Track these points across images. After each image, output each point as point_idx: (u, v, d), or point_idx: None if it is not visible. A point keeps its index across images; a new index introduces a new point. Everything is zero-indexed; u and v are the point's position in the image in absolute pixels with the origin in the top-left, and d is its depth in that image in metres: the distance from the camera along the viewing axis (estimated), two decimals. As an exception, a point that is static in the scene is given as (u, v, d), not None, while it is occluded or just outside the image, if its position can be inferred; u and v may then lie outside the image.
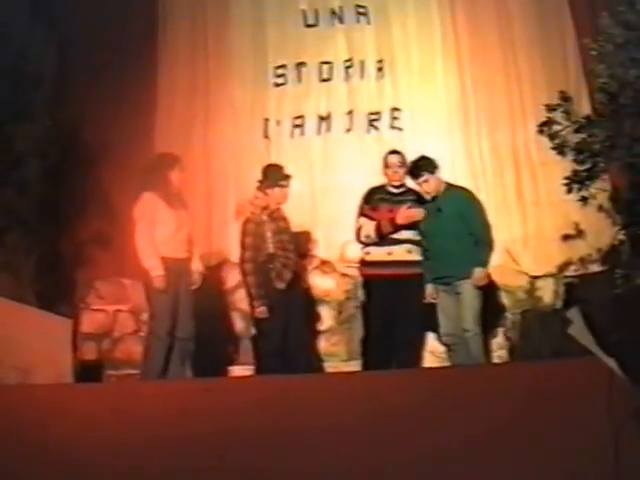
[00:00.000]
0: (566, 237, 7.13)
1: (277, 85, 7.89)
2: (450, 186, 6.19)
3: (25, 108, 7.01)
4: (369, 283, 6.31)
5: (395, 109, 7.79)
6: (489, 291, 6.27)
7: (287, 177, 6.31)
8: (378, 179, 6.56)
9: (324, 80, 7.88)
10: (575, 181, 6.22)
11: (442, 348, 6.25)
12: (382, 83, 7.86)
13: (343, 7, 7.96)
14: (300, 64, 7.87)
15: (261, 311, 6.01)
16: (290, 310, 6.11)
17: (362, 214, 6.26)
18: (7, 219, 6.89)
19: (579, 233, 7.05)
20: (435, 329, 6.24)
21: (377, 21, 7.94)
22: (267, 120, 7.82)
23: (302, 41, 7.95)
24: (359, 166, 7.39)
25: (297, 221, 6.89)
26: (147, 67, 7.78)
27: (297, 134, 7.81)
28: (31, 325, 5.92)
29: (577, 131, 6.26)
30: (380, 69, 7.85)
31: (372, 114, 7.79)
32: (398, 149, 6.50)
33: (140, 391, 5.27)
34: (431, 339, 6.49)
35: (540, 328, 6.43)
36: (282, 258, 6.11)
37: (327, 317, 7.11)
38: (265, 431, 4.18)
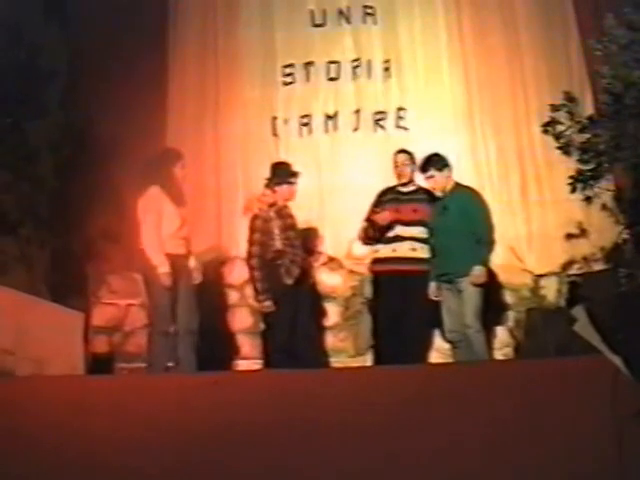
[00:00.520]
0: (570, 236, 7.17)
1: (285, 84, 7.94)
2: (458, 185, 6.26)
3: (39, 104, 7.06)
4: (377, 279, 6.40)
5: (401, 109, 7.84)
6: (493, 289, 6.32)
7: (295, 174, 6.38)
8: (385, 177, 6.65)
9: (332, 79, 7.93)
10: (579, 180, 6.26)
11: (447, 345, 6.31)
12: (389, 83, 7.90)
13: (351, 7, 7.99)
14: (308, 63, 7.92)
15: (267, 305, 6.08)
16: (298, 305, 6.18)
17: (367, 218, 6.36)
18: (21, 213, 6.94)
19: (582, 232, 7.09)
20: (439, 325, 6.31)
21: (384, 22, 7.98)
22: (275, 118, 7.88)
23: (310, 41, 8.00)
24: (366, 165, 7.45)
25: (305, 218, 6.97)
26: (158, 65, 7.82)
27: (305, 132, 7.87)
28: (44, 318, 5.97)
29: (581, 131, 6.31)
30: (387, 69, 7.89)
31: (378, 113, 7.85)
32: (407, 148, 6.58)
33: (150, 384, 5.28)
34: (436, 336, 6.55)
35: (545, 326, 6.47)
36: (290, 254, 6.18)
37: (334, 313, 7.16)
38: (273, 425, 4.20)
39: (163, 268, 5.85)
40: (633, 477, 3.46)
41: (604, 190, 6.33)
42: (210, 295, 6.54)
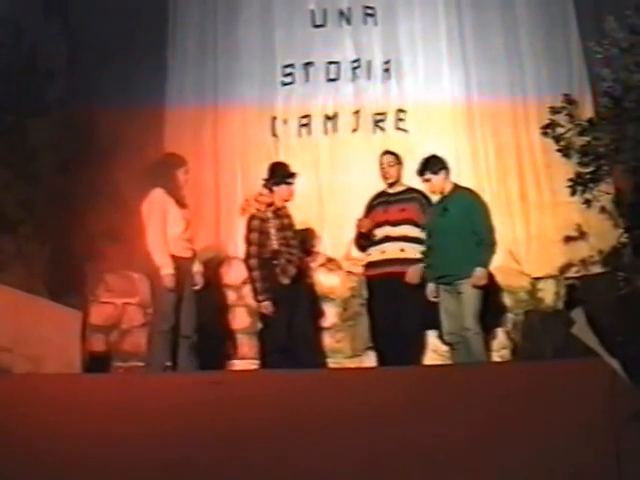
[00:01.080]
0: (568, 239, 7.17)
1: (285, 84, 7.96)
2: (457, 187, 6.26)
3: (39, 103, 7.07)
4: (370, 283, 6.42)
5: (400, 110, 7.84)
6: (491, 291, 6.32)
7: (293, 175, 6.38)
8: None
9: (331, 80, 7.94)
10: (579, 183, 6.27)
11: (444, 347, 6.31)
12: (389, 84, 7.92)
13: (351, 8, 8.01)
14: (308, 64, 7.93)
15: (265, 306, 6.08)
16: (295, 306, 6.18)
17: (357, 227, 6.40)
18: (20, 211, 6.93)
19: (581, 234, 7.09)
20: (435, 327, 6.31)
21: (384, 22, 7.99)
22: (275, 119, 7.88)
23: (310, 41, 8.01)
24: (365, 166, 7.43)
25: (304, 219, 6.98)
26: (158, 65, 7.86)
27: (304, 133, 7.88)
28: (41, 316, 5.97)
29: (581, 134, 6.31)
30: (387, 70, 7.91)
31: (378, 115, 7.86)
32: (392, 150, 6.61)
33: (147, 383, 5.29)
34: (434, 338, 6.56)
35: (542, 329, 6.47)
36: (286, 254, 6.18)
37: (332, 314, 7.15)
38: (269, 425, 4.21)
39: (167, 269, 5.87)
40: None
41: (603, 193, 6.34)
42: (208, 295, 6.53)
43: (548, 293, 7.09)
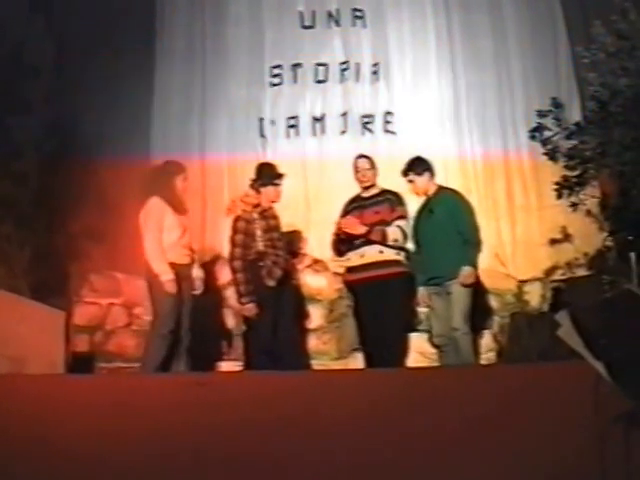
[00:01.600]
0: (554, 241, 7.19)
1: (273, 85, 7.95)
2: (441, 188, 6.26)
3: (23, 100, 7.03)
4: (353, 288, 6.38)
5: (388, 113, 7.85)
6: (478, 293, 6.32)
7: (280, 176, 6.35)
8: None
9: (319, 82, 7.94)
10: (565, 187, 6.30)
11: (432, 349, 6.29)
12: (377, 86, 7.93)
13: (340, 10, 8.02)
14: (296, 65, 7.93)
15: (249, 308, 6.04)
16: (280, 307, 6.14)
17: (335, 233, 6.35)
18: (3, 210, 6.90)
19: (566, 237, 7.10)
20: (418, 330, 6.34)
21: (373, 24, 8.01)
22: (262, 120, 7.88)
23: (298, 42, 8.01)
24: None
25: (291, 221, 6.95)
26: (145, 63, 7.83)
27: (292, 134, 7.88)
28: (24, 316, 5.93)
29: (568, 138, 6.33)
30: (375, 72, 7.92)
31: (366, 117, 7.86)
32: (365, 153, 6.55)
33: (130, 384, 5.28)
34: (422, 340, 6.55)
35: (528, 331, 6.48)
36: (272, 256, 6.14)
37: (318, 316, 7.14)
38: (254, 426, 4.20)
39: (166, 276, 5.86)
40: (614, 482, 3.46)
41: (589, 197, 6.36)
42: (196, 296, 6.50)
43: (534, 296, 7.11)
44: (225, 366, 6.78)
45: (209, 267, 7.22)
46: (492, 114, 7.87)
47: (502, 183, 7.76)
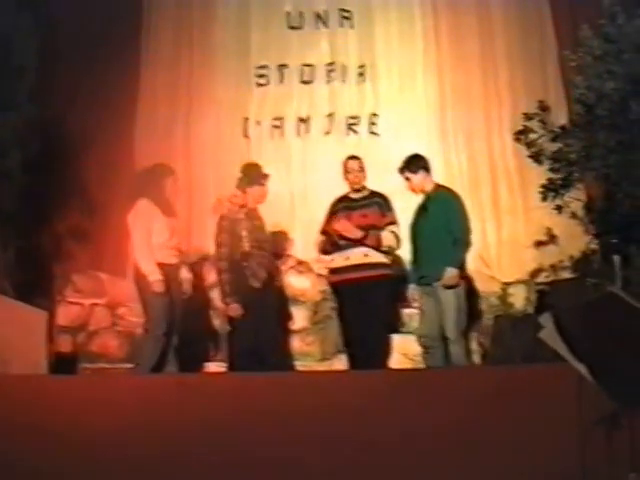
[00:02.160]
0: (538, 244, 7.19)
1: (259, 85, 7.93)
2: (438, 186, 6.20)
3: (8, 98, 6.98)
4: (336, 289, 6.36)
5: (374, 114, 7.85)
6: (469, 295, 6.29)
7: (265, 176, 6.34)
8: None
9: (305, 82, 7.93)
10: (550, 189, 6.32)
11: (416, 350, 6.28)
12: (363, 88, 7.92)
13: (328, 11, 8.00)
14: (282, 65, 7.92)
15: (234, 308, 6.02)
16: (264, 308, 6.12)
17: (322, 231, 6.33)
18: (-14, 209, 6.88)
19: (551, 239, 7.11)
20: (400, 331, 6.34)
21: (360, 26, 7.99)
22: (247, 119, 7.86)
23: (285, 43, 7.99)
24: (338, 169, 7.42)
25: (275, 221, 6.94)
26: (131, 62, 7.79)
27: (277, 135, 7.86)
28: (7, 316, 5.90)
29: (554, 140, 6.35)
30: (361, 74, 7.91)
31: (351, 118, 7.86)
32: (356, 154, 6.53)
33: (113, 384, 5.31)
34: (405, 341, 6.55)
35: (512, 333, 6.47)
36: (257, 257, 6.12)
37: (302, 317, 7.13)
38: (237, 426, 4.24)
39: (154, 276, 5.87)
40: (596, 482, 3.48)
41: (574, 199, 6.38)
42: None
43: (519, 298, 7.10)
44: (212, 367, 6.77)
45: (195, 268, 7.20)
46: (477, 116, 7.87)
47: (487, 185, 7.76)
